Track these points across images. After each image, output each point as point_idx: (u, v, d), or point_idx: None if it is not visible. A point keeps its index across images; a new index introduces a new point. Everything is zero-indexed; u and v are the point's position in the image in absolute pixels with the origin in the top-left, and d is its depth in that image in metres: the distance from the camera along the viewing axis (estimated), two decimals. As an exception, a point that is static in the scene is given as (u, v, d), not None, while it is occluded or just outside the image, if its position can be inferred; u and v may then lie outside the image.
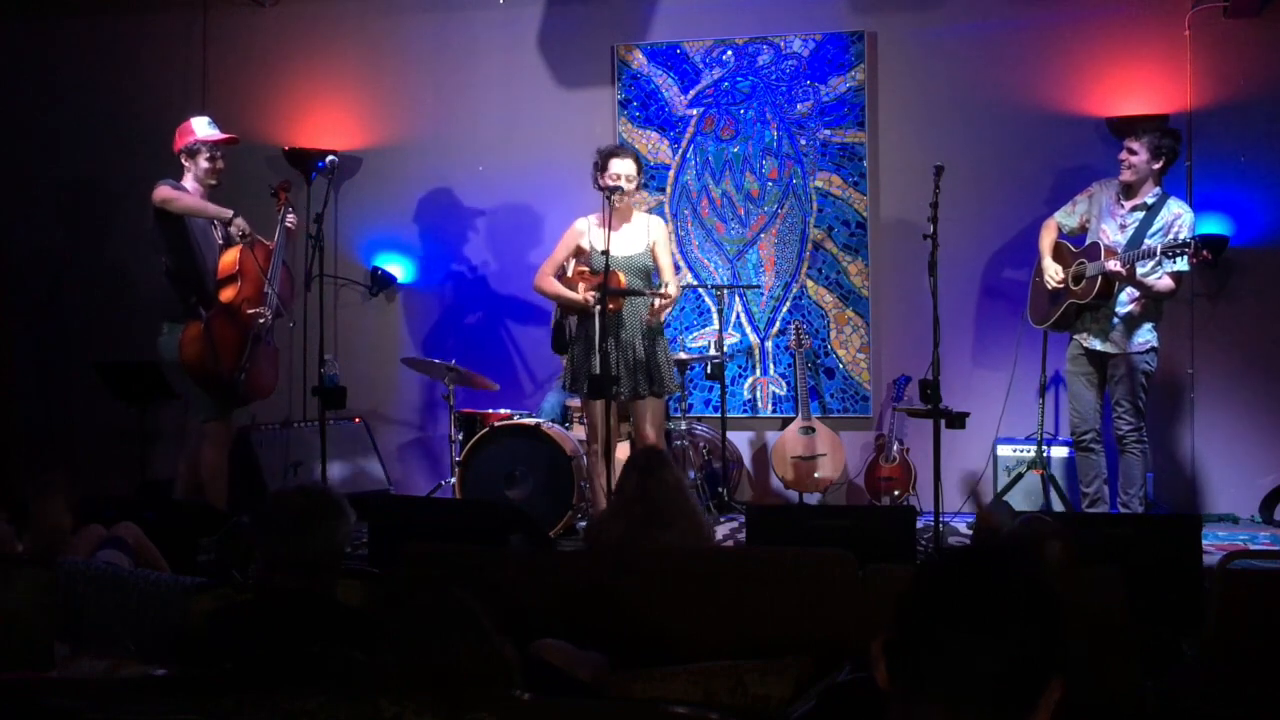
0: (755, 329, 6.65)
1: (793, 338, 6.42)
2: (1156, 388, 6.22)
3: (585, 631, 2.80)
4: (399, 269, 7.00)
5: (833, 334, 6.58)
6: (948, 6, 6.47)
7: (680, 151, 6.67)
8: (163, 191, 5.23)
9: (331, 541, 2.58)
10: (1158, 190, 5.27)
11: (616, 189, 5.19)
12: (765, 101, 6.63)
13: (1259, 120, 6.11)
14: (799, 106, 6.59)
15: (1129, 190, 5.30)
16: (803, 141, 6.59)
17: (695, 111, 6.70)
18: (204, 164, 5.34)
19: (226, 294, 5.30)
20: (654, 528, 3.47)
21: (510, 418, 5.98)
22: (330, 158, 5.71)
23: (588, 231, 5.38)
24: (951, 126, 6.34)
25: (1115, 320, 5.28)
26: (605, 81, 6.78)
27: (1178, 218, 5.20)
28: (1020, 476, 5.96)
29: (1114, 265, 5.11)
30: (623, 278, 5.20)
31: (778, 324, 6.64)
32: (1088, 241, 5.39)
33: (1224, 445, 6.17)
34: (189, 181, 5.37)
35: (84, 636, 3.00)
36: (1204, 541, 4.11)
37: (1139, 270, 5.15)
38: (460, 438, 6.01)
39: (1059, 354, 6.18)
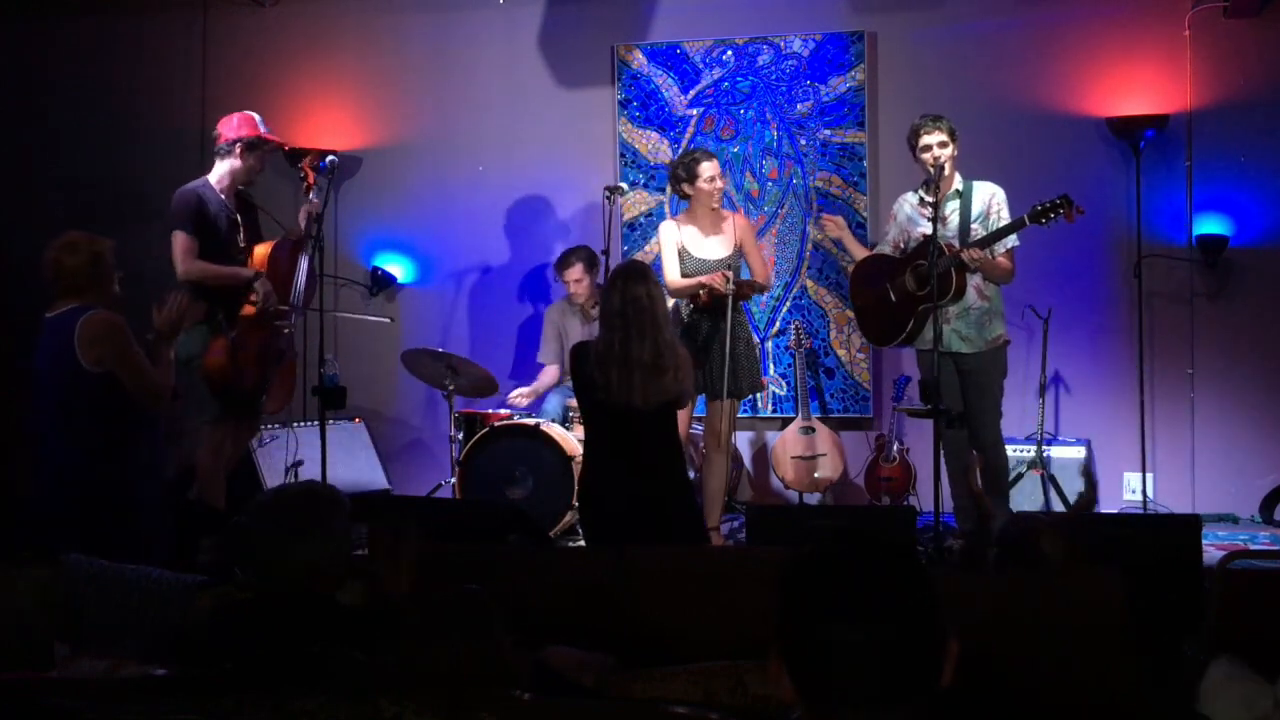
0: (755, 329, 6.64)
1: (793, 338, 6.42)
2: (1157, 387, 6.22)
3: (585, 631, 2.80)
4: (399, 269, 7.00)
5: (833, 334, 6.58)
6: (948, 6, 6.47)
7: (680, 152, 6.66)
8: (187, 268, 4.91)
9: (329, 543, 2.57)
10: (959, 175, 5.10)
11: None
12: (765, 101, 6.63)
13: (1259, 120, 6.11)
14: (799, 106, 6.59)
15: (932, 188, 5.01)
16: (803, 141, 6.59)
17: (695, 111, 6.70)
18: (254, 162, 5.12)
19: (251, 308, 5.07)
20: (634, 341, 3.99)
21: (510, 418, 5.98)
22: (330, 158, 5.70)
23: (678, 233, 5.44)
24: (953, 126, 6.33)
25: (971, 317, 5.04)
26: (605, 81, 6.78)
27: (993, 195, 5.06)
28: (1020, 476, 5.96)
29: (972, 253, 4.84)
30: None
31: (778, 324, 6.64)
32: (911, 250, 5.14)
33: (1224, 445, 6.16)
34: (219, 174, 5.12)
35: (84, 636, 2.99)
36: (1204, 541, 4.10)
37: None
38: (460, 438, 6.01)
39: (1059, 353, 6.19)
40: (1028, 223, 4.81)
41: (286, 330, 5.25)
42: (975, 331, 5.06)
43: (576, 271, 6.18)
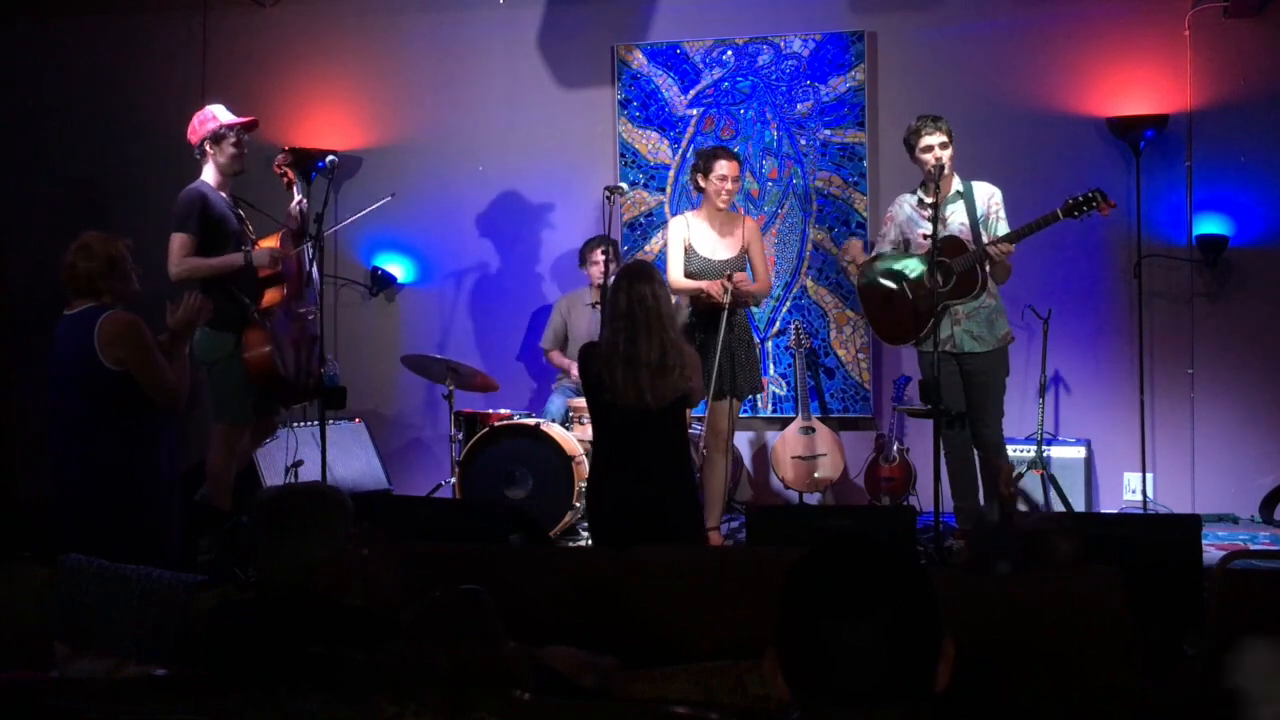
0: (755, 329, 6.64)
1: (793, 338, 6.42)
2: (1157, 387, 6.22)
3: (585, 631, 2.80)
4: (399, 269, 7.00)
5: (833, 334, 6.58)
6: (948, 6, 6.47)
7: (680, 152, 6.67)
8: (179, 269, 4.90)
9: (329, 543, 2.56)
10: (957, 176, 5.09)
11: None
12: (765, 101, 6.63)
13: (1259, 120, 6.11)
14: (799, 106, 6.59)
15: (930, 188, 5.00)
16: (803, 141, 6.59)
17: (695, 111, 6.70)
18: (230, 149, 5.08)
19: (271, 296, 5.07)
20: (640, 341, 3.98)
21: (510, 418, 5.98)
22: (330, 158, 5.69)
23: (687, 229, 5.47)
24: (952, 126, 6.33)
25: (981, 315, 5.04)
26: (605, 81, 6.78)
27: (991, 195, 5.08)
28: (1020, 476, 5.95)
29: (1001, 247, 4.80)
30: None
31: (778, 324, 6.64)
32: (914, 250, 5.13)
33: (1224, 445, 6.17)
34: (209, 175, 5.10)
35: (84, 636, 2.99)
36: (1204, 541, 4.10)
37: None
38: (460, 438, 6.01)
39: (1059, 353, 6.19)
40: (1061, 217, 4.79)
41: (310, 317, 5.29)
42: (987, 330, 5.06)
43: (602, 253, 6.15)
